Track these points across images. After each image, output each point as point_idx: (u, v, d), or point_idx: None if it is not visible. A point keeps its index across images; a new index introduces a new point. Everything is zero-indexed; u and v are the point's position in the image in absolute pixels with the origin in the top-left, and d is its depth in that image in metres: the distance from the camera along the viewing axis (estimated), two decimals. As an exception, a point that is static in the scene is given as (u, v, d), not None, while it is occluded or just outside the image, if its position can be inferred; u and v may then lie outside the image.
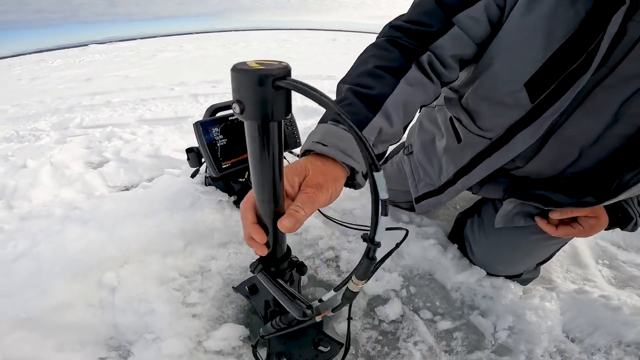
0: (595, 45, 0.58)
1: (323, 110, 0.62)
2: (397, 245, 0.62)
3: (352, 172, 0.57)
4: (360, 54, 0.72)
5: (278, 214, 0.47)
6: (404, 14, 0.74)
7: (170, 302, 0.89)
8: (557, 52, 0.62)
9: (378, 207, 0.37)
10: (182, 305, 0.91)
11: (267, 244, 0.52)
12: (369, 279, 0.46)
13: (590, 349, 0.94)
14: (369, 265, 0.43)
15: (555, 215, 0.81)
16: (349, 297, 0.48)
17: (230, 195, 1.25)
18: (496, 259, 1.05)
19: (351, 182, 0.59)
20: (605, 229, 0.81)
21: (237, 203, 1.24)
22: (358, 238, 1.18)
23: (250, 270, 0.60)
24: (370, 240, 0.40)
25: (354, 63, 0.70)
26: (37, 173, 1.65)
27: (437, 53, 0.67)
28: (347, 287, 0.48)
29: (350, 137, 0.54)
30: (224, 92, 3.23)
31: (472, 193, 1.06)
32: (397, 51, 0.67)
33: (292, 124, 1.35)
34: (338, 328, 0.94)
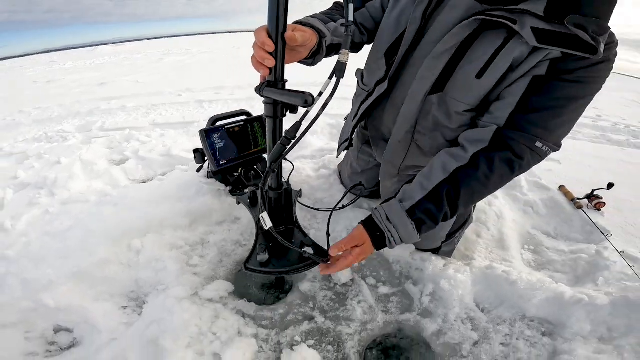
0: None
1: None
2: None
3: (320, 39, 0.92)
4: None
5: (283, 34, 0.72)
6: None
7: (177, 262, 1.23)
8: (399, 36, 1.02)
9: None
10: (187, 265, 1.25)
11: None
12: (351, 52, 0.69)
13: (497, 319, 1.15)
14: (347, 39, 0.68)
15: (334, 251, 0.95)
16: (340, 68, 0.68)
17: (226, 186, 1.60)
18: None
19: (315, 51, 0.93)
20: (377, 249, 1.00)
21: (232, 192, 1.59)
22: (323, 220, 1.51)
23: (256, 91, 0.80)
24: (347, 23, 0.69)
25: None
26: (70, 168, 2.02)
27: (356, 18, 1.12)
28: (338, 60, 0.68)
29: (316, 21, 0.96)
30: (226, 99, 3.64)
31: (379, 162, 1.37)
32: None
33: None
34: (303, 287, 1.27)
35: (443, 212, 0.93)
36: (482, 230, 1.64)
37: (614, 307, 1.14)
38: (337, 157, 1.63)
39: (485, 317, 1.17)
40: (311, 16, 1.01)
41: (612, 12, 0.76)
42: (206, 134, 1.48)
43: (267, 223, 0.87)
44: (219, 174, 1.60)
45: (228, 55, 8.32)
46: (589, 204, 1.89)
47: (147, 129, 2.74)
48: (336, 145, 2.02)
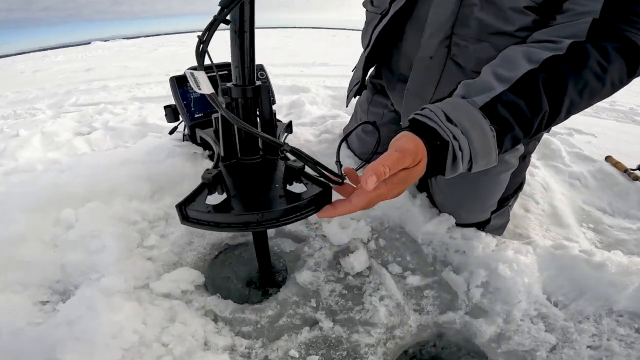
0: None
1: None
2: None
3: None
4: None
5: None
6: None
7: (124, 241, 0.84)
8: None
9: None
10: (138, 247, 0.87)
11: None
12: None
13: (577, 316, 0.81)
14: None
15: (371, 180, 0.49)
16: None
17: (205, 149, 1.22)
18: (455, 201, 0.98)
19: None
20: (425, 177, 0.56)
21: (211, 157, 1.20)
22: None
23: None
24: None
25: None
26: (27, 140, 1.64)
27: None
28: None
29: None
30: None
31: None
32: None
33: (267, 82, 1.31)
34: (301, 278, 0.89)
35: (541, 113, 0.56)
36: (529, 203, 1.27)
37: None
38: (346, 106, 1.25)
39: (562, 314, 0.82)
40: None
41: None
42: (177, 81, 1.13)
43: (204, 87, 0.51)
44: (194, 135, 1.22)
45: (225, 45, 7.89)
46: None
47: (125, 103, 2.35)
48: (339, 113, 1.65)
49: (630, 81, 0.61)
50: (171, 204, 1.02)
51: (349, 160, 1.23)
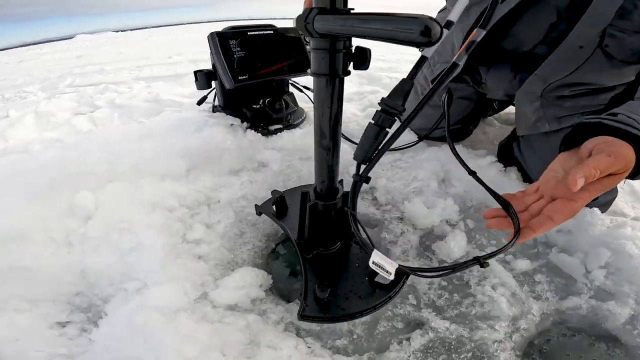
0: None
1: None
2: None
3: None
4: None
5: None
6: None
7: (165, 234, 0.58)
8: None
9: None
10: (182, 241, 0.60)
11: None
12: None
13: None
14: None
15: (579, 181, 0.47)
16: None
17: (242, 121, 0.94)
18: None
19: None
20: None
21: (251, 128, 0.93)
22: (394, 167, 0.89)
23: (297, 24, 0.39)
24: None
25: None
26: (19, 120, 1.31)
27: None
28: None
29: None
30: None
31: (479, 88, 0.91)
32: None
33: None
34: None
35: None
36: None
37: None
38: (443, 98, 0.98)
39: None
40: None
41: None
42: (219, 37, 0.87)
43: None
44: (233, 107, 0.95)
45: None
46: None
47: (129, 82, 2.00)
48: (376, 88, 1.41)
49: None
50: (212, 185, 0.76)
51: (407, 136, 0.99)
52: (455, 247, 0.69)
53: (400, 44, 0.30)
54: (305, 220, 0.55)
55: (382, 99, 0.39)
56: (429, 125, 1.00)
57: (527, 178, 0.83)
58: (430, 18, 0.29)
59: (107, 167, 0.65)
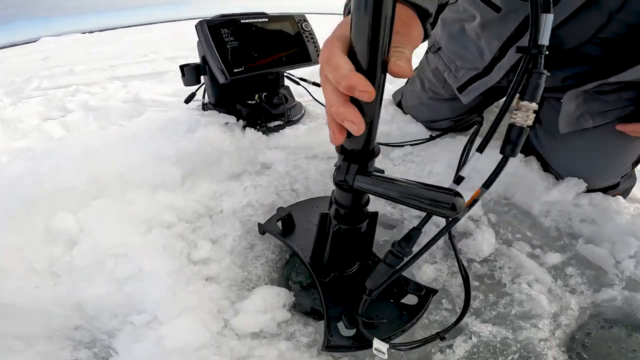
0: None
1: None
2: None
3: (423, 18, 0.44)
4: None
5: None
6: None
7: (167, 257, 0.49)
8: None
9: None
10: (188, 262, 0.52)
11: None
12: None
13: None
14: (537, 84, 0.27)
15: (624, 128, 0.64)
16: (516, 135, 0.28)
17: (238, 119, 0.85)
18: (586, 167, 0.75)
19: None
20: None
21: (249, 126, 0.84)
22: (406, 161, 0.82)
23: (339, 182, 0.39)
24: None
25: None
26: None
27: None
28: (512, 121, 0.28)
29: None
30: None
31: (501, 84, 0.81)
32: None
33: (313, 37, 0.95)
34: (424, 276, 0.59)
35: None
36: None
37: None
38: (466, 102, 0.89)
39: None
40: None
41: None
42: (210, 26, 0.76)
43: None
44: (226, 104, 0.85)
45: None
46: None
47: (102, 83, 1.83)
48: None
49: None
50: (211, 193, 0.67)
51: (415, 128, 0.93)
52: (484, 243, 0.64)
53: (430, 213, 0.33)
54: (324, 246, 0.48)
55: (393, 243, 0.38)
56: (436, 117, 0.95)
57: (546, 168, 0.79)
58: (457, 193, 0.31)
59: (88, 180, 0.55)
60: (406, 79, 1.07)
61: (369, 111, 0.32)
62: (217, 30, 0.76)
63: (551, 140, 0.78)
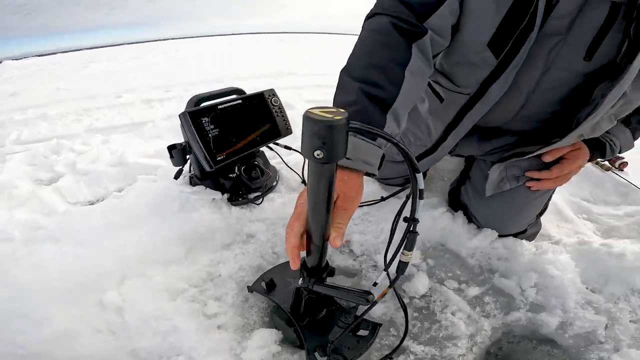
0: (534, 7, 0.68)
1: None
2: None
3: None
4: (363, 39, 0.75)
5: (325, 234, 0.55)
6: None
7: (190, 315, 0.77)
8: (507, 16, 0.71)
9: (416, 193, 0.50)
10: (204, 317, 0.79)
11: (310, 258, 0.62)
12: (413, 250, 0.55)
13: (611, 298, 0.95)
14: (413, 238, 0.54)
15: (548, 157, 0.93)
16: (402, 267, 0.56)
17: (222, 193, 1.12)
18: (501, 219, 1.07)
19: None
20: (590, 160, 0.96)
21: (231, 200, 1.12)
22: (364, 220, 1.12)
23: (304, 288, 0.67)
24: (412, 218, 0.52)
25: (358, 49, 0.74)
26: (-24, 195, 1.37)
27: (437, 25, 0.74)
28: (400, 260, 0.56)
29: (364, 145, 0.60)
30: (181, 95, 2.91)
31: (450, 154, 1.12)
32: (401, 38, 0.70)
33: (282, 110, 1.25)
34: (374, 313, 0.88)
35: None
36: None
37: None
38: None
39: (602, 298, 0.96)
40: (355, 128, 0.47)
41: None
42: (191, 117, 1.00)
43: None
44: (209, 179, 1.12)
45: (167, 56, 7.16)
46: (612, 165, 1.72)
47: (83, 136, 2.07)
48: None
49: None
50: (209, 262, 0.95)
51: (372, 187, 1.23)
52: (420, 285, 0.93)
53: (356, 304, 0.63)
54: (300, 303, 0.75)
55: (340, 316, 0.69)
56: (392, 176, 1.25)
57: (470, 220, 1.10)
58: (369, 293, 0.58)
59: (117, 267, 0.82)
60: None
61: (316, 252, 0.59)
62: (198, 120, 1.00)
63: (477, 198, 1.09)
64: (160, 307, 0.74)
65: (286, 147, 1.33)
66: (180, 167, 1.17)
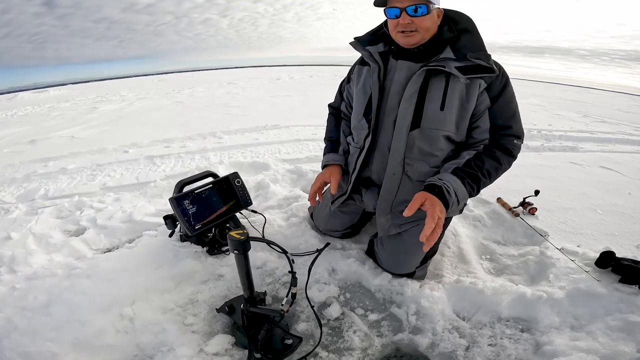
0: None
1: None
2: (316, 255, 1.29)
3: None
4: (327, 119, 1.82)
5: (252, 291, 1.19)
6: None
7: (174, 323, 1.32)
8: (369, 99, 1.44)
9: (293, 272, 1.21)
10: (184, 325, 1.34)
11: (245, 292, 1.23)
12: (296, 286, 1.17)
13: (478, 325, 1.41)
14: (294, 281, 1.17)
15: (407, 213, 1.22)
16: (294, 295, 1.17)
17: (202, 247, 1.71)
18: (394, 264, 1.60)
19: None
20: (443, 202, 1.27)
21: (209, 252, 1.70)
22: (303, 265, 1.66)
23: (242, 310, 1.24)
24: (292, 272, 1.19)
25: (326, 125, 1.80)
26: (24, 243, 1.97)
27: (343, 109, 1.74)
28: (291, 292, 1.16)
29: (335, 156, 1.65)
30: (179, 152, 3.69)
31: (361, 204, 1.69)
32: (333, 117, 1.79)
33: (243, 188, 1.84)
34: (300, 327, 1.40)
35: (480, 171, 1.32)
36: (444, 249, 1.89)
37: (571, 299, 1.45)
38: (331, 210, 1.78)
39: (468, 325, 1.42)
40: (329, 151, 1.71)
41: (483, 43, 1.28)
42: (177, 201, 1.59)
43: None
44: (194, 237, 1.70)
45: (169, 100, 8.27)
46: (524, 210, 2.24)
47: (99, 194, 2.72)
48: (299, 193, 2.25)
49: (511, 162, 1.40)
50: (191, 292, 1.51)
51: (313, 240, 1.79)
52: (333, 311, 1.45)
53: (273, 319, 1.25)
54: (244, 320, 1.28)
55: (264, 342, 1.24)
56: (336, 228, 1.81)
57: (378, 264, 1.64)
58: (282, 311, 1.16)
59: (131, 294, 1.39)
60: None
61: (247, 290, 1.17)
62: (181, 202, 1.57)
63: (380, 246, 1.63)
64: (156, 318, 1.30)
65: (253, 211, 1.93)
66: (172, 230, 1.77)
